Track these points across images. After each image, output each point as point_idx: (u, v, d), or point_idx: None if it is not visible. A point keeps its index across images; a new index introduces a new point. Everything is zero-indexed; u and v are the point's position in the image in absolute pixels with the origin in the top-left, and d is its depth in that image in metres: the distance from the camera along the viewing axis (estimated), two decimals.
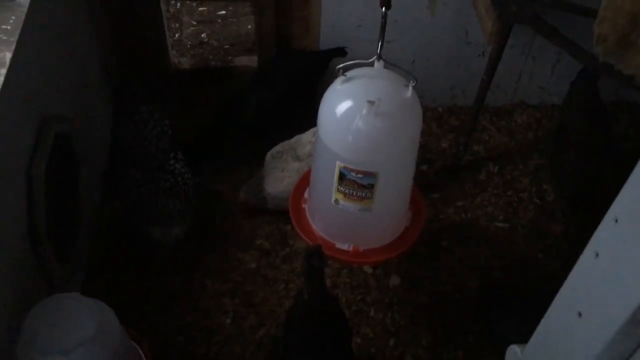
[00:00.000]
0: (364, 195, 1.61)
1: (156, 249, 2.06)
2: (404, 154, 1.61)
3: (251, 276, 2.11)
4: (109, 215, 2.19)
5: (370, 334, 1.98)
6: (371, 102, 1.45)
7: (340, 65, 1.56)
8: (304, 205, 1.87)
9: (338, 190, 1.63)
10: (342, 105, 1.53)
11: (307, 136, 2.15)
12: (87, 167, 1.97)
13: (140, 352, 1.57)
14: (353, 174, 1.57)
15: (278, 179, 2.09)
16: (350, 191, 1.61)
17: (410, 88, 1.54)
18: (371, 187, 1.59)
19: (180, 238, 2.07)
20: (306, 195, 1.88)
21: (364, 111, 1.48)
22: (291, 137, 2.21)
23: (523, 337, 1.30)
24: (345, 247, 1.76)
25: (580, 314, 0.89)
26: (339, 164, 1.57)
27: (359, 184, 1.59)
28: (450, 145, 2.47)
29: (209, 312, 2.01)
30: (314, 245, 1.55)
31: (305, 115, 2.08)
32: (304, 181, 1.91)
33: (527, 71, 2.50)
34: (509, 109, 2.61)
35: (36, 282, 1.63)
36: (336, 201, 1.66)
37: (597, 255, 0.84)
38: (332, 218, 1.74)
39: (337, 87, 1.58)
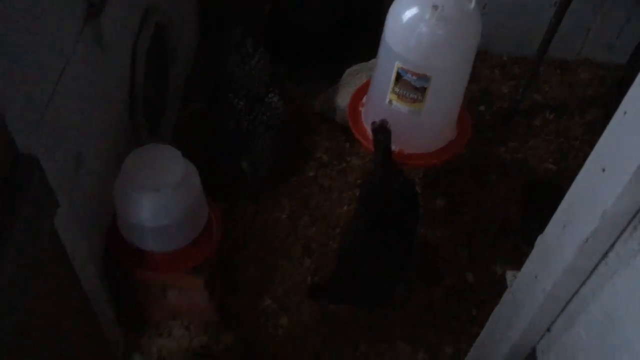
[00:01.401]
0: (415, 97, 1.78)
1: (242, 179, 2.18)
2: (458, 62, 1.77)
3: (309, 183, 2.32)
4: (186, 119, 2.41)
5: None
6: (435, 7, 1.62)
7: None
8: (360, 109, 2.06)
9: (393, 91, 1.81)
10: (409, 9, 1.70)
11: None
12: (174, 64, 2.22)
13: (212, 215, 1.80)
14: (409, 75, 1.74)
15: (349, 93, 2.27)
16: (404, 92, 1.78)
17: (474, 2, 1.69)
18: (423, 90, 1.76)
19: (265, 174, 2.20)
20: (364, 100, 2.07)
21: (427, 15, 1.65)
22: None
23: None
24: (392, 148, 1.93)
25: (603, 170, 1.03)
26: (397, 65, 1.74)
27: (412, 85, 1.76)
28: (510, 91, 2.59)
29: (267, 207, 2.22)
30: (381, 120, 1.73)
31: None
32: (364, 88, 2.09)
33: (595, 28, 2.57)
34: (573, 64, 2.69)
35: (130, 145, 1.89)
36: (390, 102, 1.84)
37: (625, 113, 0.98)
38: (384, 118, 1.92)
39: None
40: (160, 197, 1.57)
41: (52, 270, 1.16)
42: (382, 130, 1.70)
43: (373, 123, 1.75)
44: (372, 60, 2.36)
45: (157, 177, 1.57)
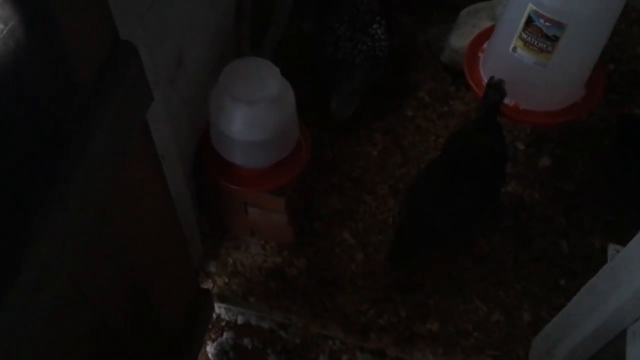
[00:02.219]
0: (544, 47, 1.60)
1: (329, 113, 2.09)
2: (602, 12, 1.55)
3: (406, 122, 2.22)
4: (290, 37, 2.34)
5: (506, 203, 2.02)
6: None
7: None
8: (479, 54, 1.90)
9: (520, 37, 1.63)
10: None
11: None
12: None
13: (302, 138, 1.76)
14: (542, 20, 1.56)
15: (464, 34, 2.11)
16: (533, 40, 1.60)
17: None
18: (555, 40, 1.57)
19: (350, 114, 2.08)
20: (485, 45, 1.90)
21: None
22: None
23: None
24: (507, 100, 1.77)
25: None
26: (530, 7, 1.56)
27: (543, 33, 1.58)
28: None
29: (360, 140, 2.16)
30: (498, 80, 1.58)
31: None
32: (487, 33, 1.92)
33: None
34: None
35: (232, 56, 1.87)
36: (514, 49, 1.66)
37: None
38: (503, 68, 1.75)
39: None
40: (253, 111, 1.54)
41: (140, 163, 1.16)
42: (496, 89, 1.54)
43: (491, 78, 1.59)
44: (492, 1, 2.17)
45: (252, 91, 1.54)
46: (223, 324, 1.82)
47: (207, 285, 1.85)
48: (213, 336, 1.80)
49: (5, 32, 0.73)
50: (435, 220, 1.72)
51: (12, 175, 0.81)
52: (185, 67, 1.51)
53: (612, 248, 1.36)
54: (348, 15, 2.05)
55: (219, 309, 1.84)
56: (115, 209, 1.09)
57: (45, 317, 0.87)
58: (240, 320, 1.82)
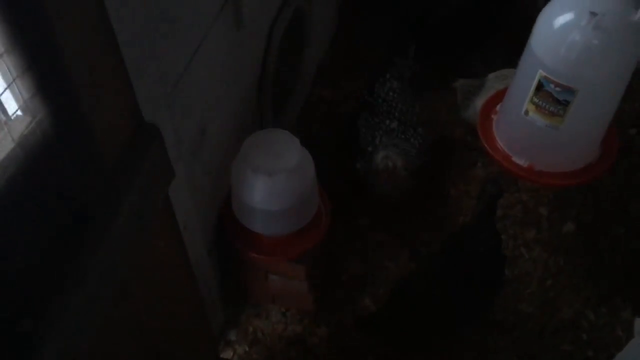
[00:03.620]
0: (555, 111, 1.61)
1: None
2: (611, 78, 1.57)
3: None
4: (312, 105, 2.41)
5: (531, 268, 1.99)
6: (593, 14, 1.45)
7: None
8: (492, 116, 1.92)
9: (531, 101, 1.65)
10: (563, 14, 1.53)
11: None
12: (308, 50, 2.22)
13: (322, 206, 1.78)
14: (552, 85, 1.58)
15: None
16: (544, 104, 1.62)
17: None
18: (566, 104, 1.59)
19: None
20: (498, 108, 1.92)
21: (584, 22, 1.48)
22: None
23: None
24: (521, 162, 1.78)
25: None
26: (540, 73, 1.58)
27: (554, 97, 1.59)
28: None
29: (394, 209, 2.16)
30: (496, 173, 1.61)
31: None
32: (500, 95, 1.95)
33: None
34: None
35: (254, 126, 1.92)
36: (526, 112, 1.68)
37: None
38: (517, 130, 1.76)
39: None
40: (274, 181, 1.57)
41: (161, 236, 1.19)
42: (493, 184, 1.58)
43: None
44: None
45: (273, 162, 1.58)
46: None
47: (227, 354, 1.84)
48: None
49: (33, 123, 0.78)
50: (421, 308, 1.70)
51: (37, 254, 0.83)
52: (208, 139, 1.56)
53: (638, 322, 1.32)
54: (398, 112, 2.12)
55: None
56: (136, 283, 1.11)
57: None
58: None
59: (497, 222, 1.83)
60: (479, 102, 2.16)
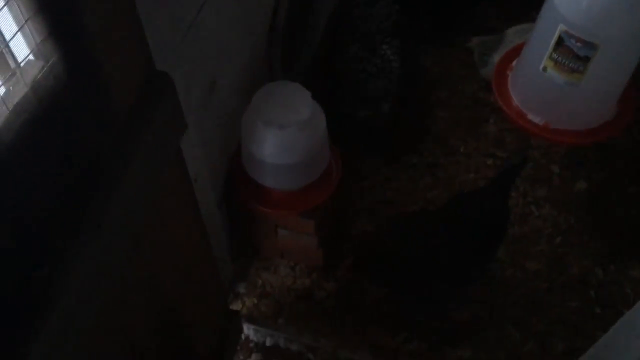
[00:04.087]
0: (575, 67, 1.58)
1: (363, 131, 2.10)
2: (634, 33, 1.52)
3: (436, 142, 2.20)
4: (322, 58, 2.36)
5: (540, 226, 1.98)
6: None
7: None
8: (508, 72, 1.88)
9: (550, 57, 1.61)
10: None
11: None
12: (318, 3, 2.16)
13: (332, 161, 1.76)
14: (572, 40, 1.54)
15: None
16: (563, 60, 1.58)
17: None
18: (587, 60, 1.55)
19: (385, 119, 2.08)
20: (514, 64, 1.88)
21: None
22: None
23: None
24: (537, 120, 1.75)
25: None
26: (561, 27, 1.54)
27: (574, 53, 1.55)
28: None
29: (404, 166, 2.14)
30: (524, 157, 1.63)
31: None
32: (515, 51, 1.90)
33: None
34: None
35: (263, 80, 1.89)
36: (545, 69, 1.64)
37: None
38: (533, 87, 1.73)
39: None
40: (285, 135, 1.55)
41: (173, 187, 1.18)
42: (518, 156, 1.58)
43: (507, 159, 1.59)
44: None
45: (284, 115, 1.55)
46: (252, 345, 1.83)
47: (237, 306, 1.86)
48: (242, 357, 1.81)
49: (46, 68, 0.76)
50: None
51: (52, 202, 0.83)
52: (218, 92, 1.54)
53: None
54: (359, 34, 2.08)
55: (248, 329, 1.84)
56: (148, 233, 1.11)
57: (80, 345, 0.88)
58: (268, 342, 1.82)
59: (510, 197, 1.80)
60: (497, 58, 2.11)
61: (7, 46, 0.70)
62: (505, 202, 1.74)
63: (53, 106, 0.77)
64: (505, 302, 1.84)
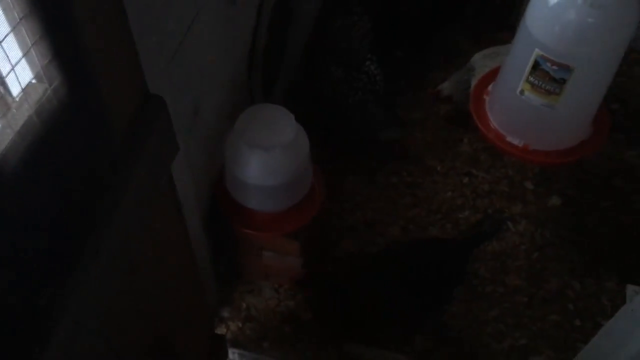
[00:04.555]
0: (552, 89, 1.64)
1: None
2: (606, 55, 1.60)
3: (415, 163, 2.24)
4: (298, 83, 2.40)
5: (518, 242, 2.03)
6: None
7: None
8: (485, 97, 1.94)
9: (527, 81, 1.67)
10: None
11: None
12: (294, 28, 2.20)
13: (315, 181, 1.78)
14: (548, 64, 1.60)
15: None
16: (540, 83, 1.64)
17: None
18: (563, 82, 1.61)
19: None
20: (490, 87, 1.94)
21: (579, 1, 1.50)
22: None
23: None
24: (516, 142, 1.80)
25: None
26: (536, 52, 1.60)
27: (551, 76, 1.62)
28: None
29: (371, 182, 2.18)
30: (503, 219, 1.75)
31: None
32: (491, 75, 1.96)
33: None
34: None
35: (245, 104, 1.90)
36: (522, 92, 1.70)
37: None
38: (511, 110, 1.78)
39: None
40: (269, 157, 1.57)
41: (164, 212, 1.18)
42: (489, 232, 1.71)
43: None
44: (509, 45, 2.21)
45: (268, 137, 1.57)
46: None
47: (221, 330, 1.84)
48: None
49: (49, 91, 0.76)
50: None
51: (53, 226, 0.82)
52: (201, 116, 1.54)
53: (630, 289, 1.36)
54: (343, 56, 2.12)
55: (233, 354, 1.82)
56: (141, 258, 1.10)
57: None
58: None
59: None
60: (472, 82, 2.16)
61: (13, 70, 0.70)
62: (470, 254, 1.85)
63: (56, 128, 0.77)
64: (487, 317, 1.87)
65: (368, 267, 1.86)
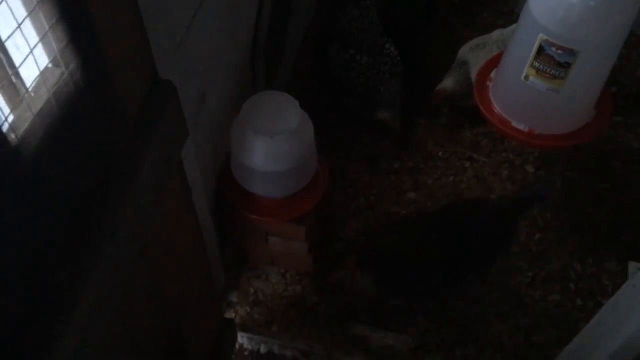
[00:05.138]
0: (557, 73, 1.65)
1: (384, 133, 2.21)
2: (610, 37, 1.61)
3: (416, 149, 2.26)
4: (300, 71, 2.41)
5: (519, 225, 2.05)
6: None
7: None
8: (488, 83, 1.95)
9: (532, 66, 1.68)
10: None
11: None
12: (295, 16, 2.22)
13: (320, 167, 1.80)
14: (553, 49, 1.61)
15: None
16: (545, 67, 1.66)
17: None
18: (567, 66, 1.63)
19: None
20: (492, 74, 1.95)
21: None
22: None
23: None
24: (521, 126, 1.82)
25: None
26: (540, 37, 1.62)
27: (555, 60, 1.63)
28: None
29: (374, 166, 2.20)
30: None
31: None
32: (492, 62, 1.98)
33: None
34: None
35: (248, 92, 1.92)
36: (526, 77, 1.72)
37: None
38: (516, 96, 1.80)
39: None
40: (275, 143, 1.59)
41: (175, 196, 1.20)
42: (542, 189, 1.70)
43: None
44: (496, 32, 2.22)
45: (274, 124, 1.59)
46: (246, 353, 1.84)
47: (229, 315, 1.87)
48: None
49: (66, 75, 0.78)
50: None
51: (70, 208, 0.84)
52: (207, 103, 1.56)
53: (632, 265, 1.39)
54: (365, 44, 2.15)
55: (242, 338, 1.85)
56: (153, 241, 1.12)
57: (94, 354, 0.89)
58: (263, 349, 1.83)
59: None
60: (472, 75, 2.16)
61: (32, 53, 0.72)
62: (516, 220, 1.80)
63: (73, 111, 0.79)
64: (490, 298, 1.90)
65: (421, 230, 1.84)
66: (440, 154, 2.25)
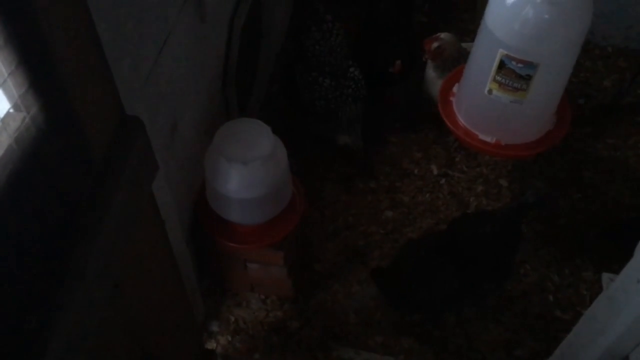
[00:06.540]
0: (519, 86, 1.69)
1: (347, 155, 2.21)
2: (567, 48, 1.66)
3: (391, 166, 2.28)
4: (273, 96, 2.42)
5: None
6: None
7: None
8: (451, 99, 1.99)
9: (494, 80, 1.72)
10: None
11: None
12: (266, 41, 2.23)
13: (295, 192, 1.80)
14: (514, 63, 1.65)
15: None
16: (507, 81, 1.69)
17: None
18: (529, 78, 1.67)
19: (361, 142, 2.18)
20: (455, 89, 1.99)
21: None
22: None
23: None
24: (488, 139, 1.86)
25: None
26: (501, 52, 1.66)
27: (517, 74, 1.67)
28: (613, 85, 2.43)
29: (350, 186, 2.21)
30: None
31: None
32: (453, 77, 2.02)
33: None
34: None
35: (221, 119, 1.92)
36: (490, 91, 1.75)
37: None
38: (480, 109, 1.84)
39: None
40: (249, 170, 1.59)
41: (147, 230, 1.19)
42: (533, 195, 1.69)
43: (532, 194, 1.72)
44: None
45: (247, 151, 1.59)
46: None
47: (211, 345, 1.85)
48: None
49: (27, 119, 0.77)
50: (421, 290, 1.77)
51: (37, 253, 0.83)
52: (179, 133, 1.56)
53: (606, 277, 1.41)
54: (328, 66, 2.15)
55: None
56: (126, 277, 1.11)
57: None
58: None
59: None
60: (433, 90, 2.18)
61: None
62: (519, 225, 1.81)
63: (36, 155, 0.78)
64: (469, 314, 1.90)
65: (428, 247, 1.83)
66: (415, 171, 2.26)
